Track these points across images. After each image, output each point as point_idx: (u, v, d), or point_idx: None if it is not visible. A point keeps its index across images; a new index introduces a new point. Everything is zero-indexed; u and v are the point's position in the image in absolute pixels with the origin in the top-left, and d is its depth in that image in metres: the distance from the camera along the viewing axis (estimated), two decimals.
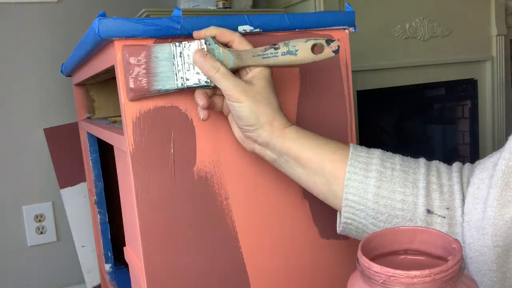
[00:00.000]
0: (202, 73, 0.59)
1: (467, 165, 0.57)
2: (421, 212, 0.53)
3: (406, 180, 0.55)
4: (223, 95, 0.60)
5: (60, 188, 1.49)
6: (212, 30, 0.60)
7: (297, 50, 0.59)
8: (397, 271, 0.42)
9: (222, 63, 0.59)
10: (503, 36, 1.85)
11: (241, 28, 0.66)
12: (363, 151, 0.58)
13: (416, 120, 1.91)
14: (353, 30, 0.75)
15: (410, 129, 1.90)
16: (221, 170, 0.68)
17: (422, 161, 0.58)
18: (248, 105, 0.57)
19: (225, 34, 0.60)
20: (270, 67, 0.60)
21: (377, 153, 0.58)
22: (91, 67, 0.88)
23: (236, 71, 0.62)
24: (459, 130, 1.92)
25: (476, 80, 1.85)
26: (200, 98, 0.59)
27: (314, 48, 0.59)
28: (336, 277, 0.77)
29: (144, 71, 0.59)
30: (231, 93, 0.58)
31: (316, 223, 0.75)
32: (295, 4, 1.55)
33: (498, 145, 1.90)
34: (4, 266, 1.46)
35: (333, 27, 0.73)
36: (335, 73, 0.75)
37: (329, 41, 0.59)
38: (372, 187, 0.55)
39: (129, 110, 0.62)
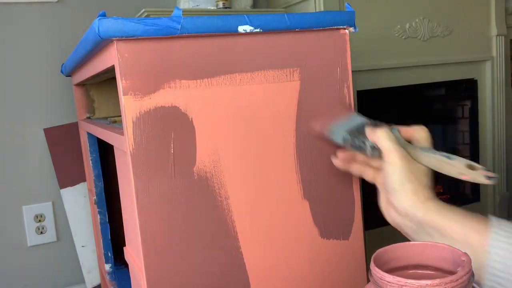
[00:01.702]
0: (365, 144, 0.64)
1: None
2: None
3: None
4: (376, 168, 0.67)
5: (60, 188, 1.49)
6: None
7: (454, 159, 0.61)
8: (409, 281, 0.44)
9: None
10: (503, 36, 1.85)
11: (241, 28, 0.66)
12: (503, 221, 0.58)
13: (416, 120, 1.91)
14: (353, 30, 0.75)
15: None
16: (221, 170, 0.68)
17: None
18: (399, 169, 0.60)
19: (410, 129, 0.66)
20: (423, 165, 0.64)
21: None
22: (91, 67, 0.88)
23: None
24: (459, 130, 1.92)
25: (476, 80, 1.84)
26: (343, 154, 0.69)
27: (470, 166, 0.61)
28: (336, 277, 0.77)
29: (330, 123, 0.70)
30: (390, 153, 0.61)
31: (316, 223, 0.75)
32: (295, 4, 1.55)
33: (498, 145, 1.90)
34: (4, 266, 1.46)
35: (333, 27, 0.73)
36: (335, 73, 0.75)
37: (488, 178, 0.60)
38: None
39: (129, 110, 0.62)
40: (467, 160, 0.61)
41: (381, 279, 0.47)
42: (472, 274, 0.46)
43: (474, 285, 0.48)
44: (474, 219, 0.59)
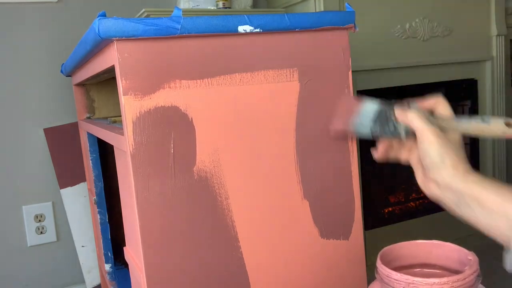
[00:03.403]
0: (397, 128, 0.65)
1: None
2: None
3: None
4: (408, 149, 0.68)
5: (60, 188, 1.49)
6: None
7: (490, 120, 0.62)
8: (417, 279, 0.44)
9: None
10: (503, 36, 1.85)
11: (241, 28, 0.66)
12: None
13: None
14: (353, 30, 0.75)
15: None
16: (221, 170, 0.68)
17: None
18: (436, 147, 0.62)
19: (428, 101, 0.67)
20: (460, 133, 0.65)
21: None
22: (91, 67, 0.88)
23: None
24: None
25: (476, 80, 1.84)
26: (382, 145, 0.68)
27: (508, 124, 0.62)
28: (336, 277, 0.77)
29: (351, 118, 0.68)
30: (425, 133, 0.62)
31: (316, 223, 0.75)
32: (295, 4, 1.55)
33: (497, 145, 1.90)
34: (4, 266, 1.46)
35: (333, 27, 0.73)
36: (335, 74, 0.75)
37: None
38: None
39: (129, 110, 0.62)
40: (504, 118, 0.62)
41: (388, 276, 0.47)
42: (479, 274, 0.47)
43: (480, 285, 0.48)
44: None
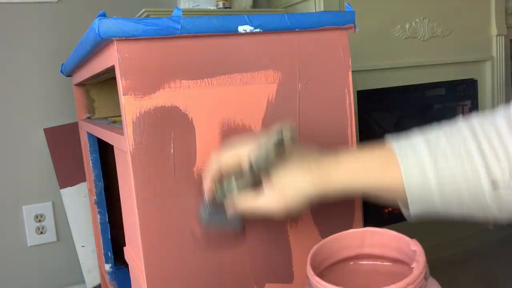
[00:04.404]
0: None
1: None
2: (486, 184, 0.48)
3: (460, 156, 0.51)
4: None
5: (60, 188, 1.49)
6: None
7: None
8: None
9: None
10: (503, 36, 1.85)
11: (241, 28, 0.66)
12: (407, 148, 0.56)
13: (416, 120, 1.91)
14: (353, 30, 0.75)
15: (410, 129, 1.90)
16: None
17: (463, 128, 0.54)
18: (283, 206, 0.57)
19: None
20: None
21: (419, 145, 0.56)
22: (91, 67, 0.88)
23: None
24: None
25: (476, 80, 1.84)
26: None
27: None
28: None
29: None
30: (264, 212, 0.58)
31: (316, 223, 0.75)
32: (295, 4, 1.55)
33: None
34: (4, 266, 1.46)
35: (333, 27, 0.73)
36: (335, 74, 0.75)
37: None
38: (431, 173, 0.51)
39: (129, 110, 0.62)
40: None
41: None
42: (427, 269, 0.39)
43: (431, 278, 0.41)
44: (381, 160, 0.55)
